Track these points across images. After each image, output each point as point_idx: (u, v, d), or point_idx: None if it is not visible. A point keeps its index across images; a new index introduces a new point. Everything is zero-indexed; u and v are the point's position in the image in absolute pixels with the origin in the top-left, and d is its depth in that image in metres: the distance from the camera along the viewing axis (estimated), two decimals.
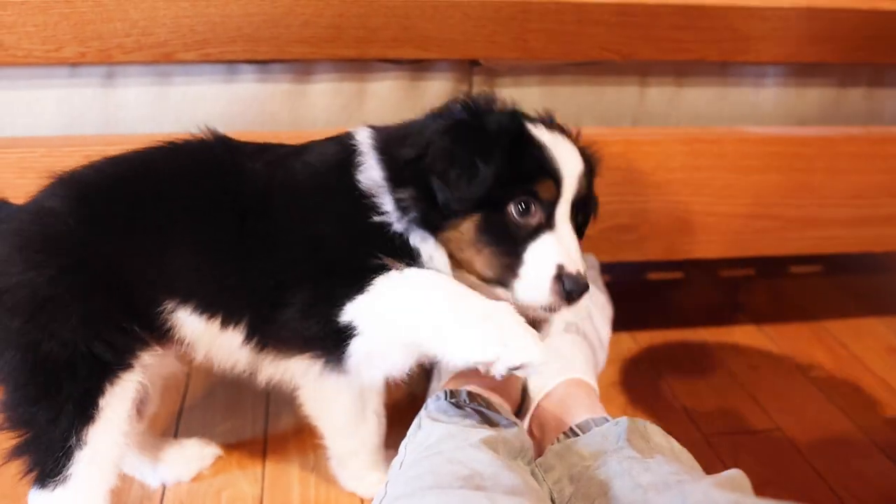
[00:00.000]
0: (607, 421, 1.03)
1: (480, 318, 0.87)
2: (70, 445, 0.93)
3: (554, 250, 0.93)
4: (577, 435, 1.03)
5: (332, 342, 0.95)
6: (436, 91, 1.34)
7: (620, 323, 1.46)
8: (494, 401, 1.08)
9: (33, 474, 0.95)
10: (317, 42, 1.20)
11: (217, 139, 1.04)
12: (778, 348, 1.61)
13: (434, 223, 0.94)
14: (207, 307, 0.98)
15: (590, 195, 1.02)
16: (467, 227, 0.94)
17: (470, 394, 1.07)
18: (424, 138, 0.94)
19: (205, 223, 0.97)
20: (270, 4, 1.15)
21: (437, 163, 0.92)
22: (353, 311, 0.92)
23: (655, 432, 0.99)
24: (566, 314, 1.29)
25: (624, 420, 0.99)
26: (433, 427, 1.00)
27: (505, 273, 0.94)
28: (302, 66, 1.27)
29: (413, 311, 0.90)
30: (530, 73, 1.36)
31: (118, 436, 0.97)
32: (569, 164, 0.95)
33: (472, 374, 1.15)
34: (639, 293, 1.82)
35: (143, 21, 1.14)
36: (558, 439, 1.04)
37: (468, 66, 1.34)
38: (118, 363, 0.96)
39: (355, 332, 0.93)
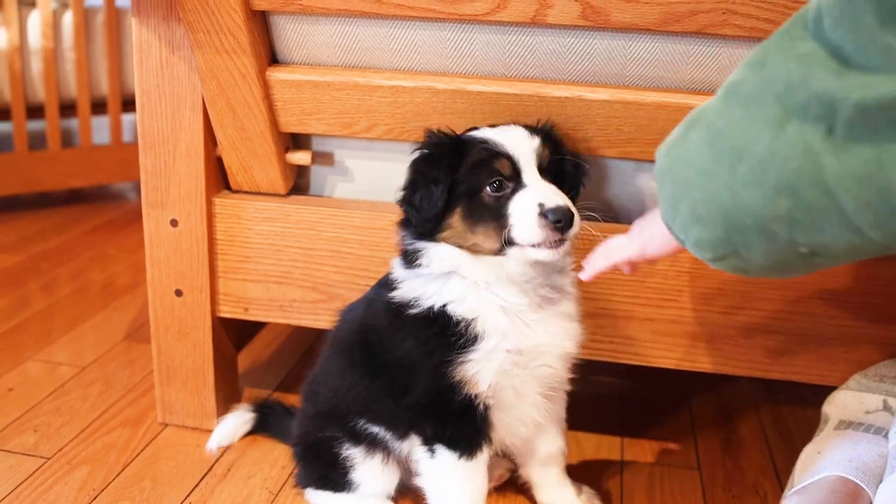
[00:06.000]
0: None
1: None
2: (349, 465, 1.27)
3: (531, 196, 1.08)
4: None
5: None
6: None
7: None
8: None
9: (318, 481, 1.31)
10: None
11: None
12: None
13: (428, 232, 1.13)
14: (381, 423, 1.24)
15: (563, 158, 1.17)
16: (455, 220, 1.11)
17: None
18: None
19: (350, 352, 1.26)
20: None
21: (406, 196, 1.14)
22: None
23: None
24: None
25: None
26: None
27: (502, 235, 1.08)
28: None
29: None
30: None
31: (376, 479, 1.27)
32: (516, 140, 1.11)
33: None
34: None
35: (576, 118, 1.21)
36: None
37: None
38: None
39: None
